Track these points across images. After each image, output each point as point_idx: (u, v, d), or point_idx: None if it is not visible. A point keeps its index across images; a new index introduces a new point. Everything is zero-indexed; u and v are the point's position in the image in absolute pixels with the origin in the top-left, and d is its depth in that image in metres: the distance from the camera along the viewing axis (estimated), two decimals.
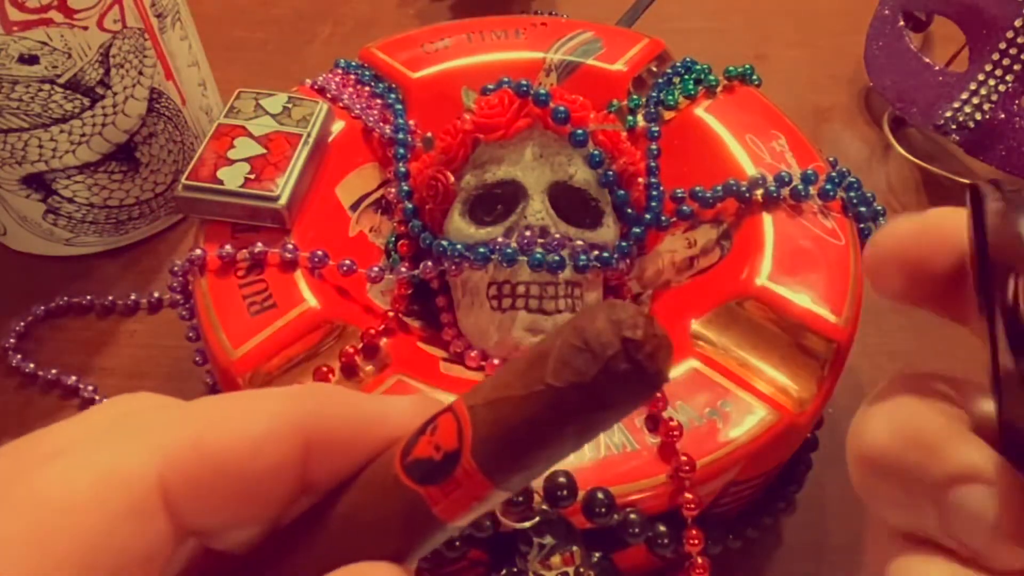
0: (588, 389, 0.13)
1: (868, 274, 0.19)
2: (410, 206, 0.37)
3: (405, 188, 0.37)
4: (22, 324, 0.43)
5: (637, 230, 0.36)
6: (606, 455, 0.28)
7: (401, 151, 0.38)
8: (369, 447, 0.15)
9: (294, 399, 0.15)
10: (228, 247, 0.33)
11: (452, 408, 0.14)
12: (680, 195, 0.37)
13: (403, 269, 0.35)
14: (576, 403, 0.13)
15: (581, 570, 0.27)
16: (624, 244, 0.36)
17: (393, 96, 0.41)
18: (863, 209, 0.35)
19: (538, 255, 0.33)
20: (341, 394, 0.16)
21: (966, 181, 0.49)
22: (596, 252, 0.35)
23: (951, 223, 0.17)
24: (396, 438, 0.15)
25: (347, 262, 0.34)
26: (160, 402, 0.16)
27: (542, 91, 0.35)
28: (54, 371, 0.42)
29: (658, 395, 0.29)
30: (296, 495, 0.15)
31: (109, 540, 0.13)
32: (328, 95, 0.41)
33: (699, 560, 0.29)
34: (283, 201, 0.34)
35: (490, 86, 0.38)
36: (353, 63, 0.43)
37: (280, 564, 0.16)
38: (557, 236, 0.34)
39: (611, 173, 0.35)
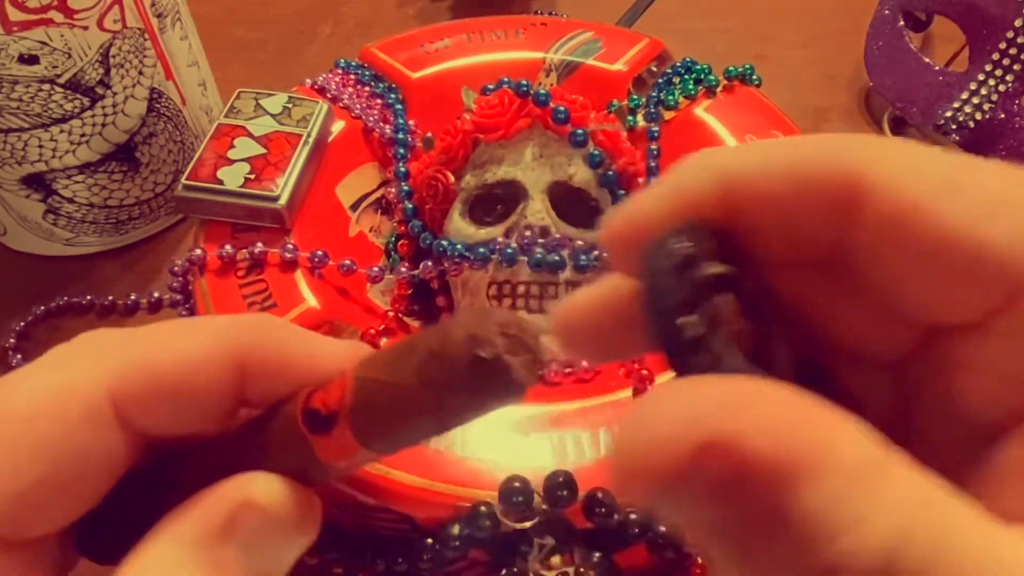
0: (440, 393, 0.14)
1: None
2: (410, 206, 0.37)
3: (405, 188, 0.37)
4: (22, 324, 0.43)
5: None
6: (607, 455, 0.28)
7: (401, 151, 0.38)
8: (298, 379, 0.17)
9: (232, 328, 0.17)
10: (228, 247, 0.33)
11: (345, 373, 0.16)
12: None
13: (403, 269, 0.35)
14: (430, 403, 0.14)
15: (581, 570, 0.27)
16: None
17: (393, 96, 0.41)
18: None
19: (538, 255, 0.33)
20: (279, 329, 0.18)
21: None
22: (596, 252, 0.35)
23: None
24: (325, 375, 0.17)
25: (347, 262, 0.34)
26: (112, 332, 0.18)
27: (542, 91, 0.35)
28: None
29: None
30: (235, 408, 0.17)
31: (68, 445, 0.15)
32: (328, 95, 0.41)
33: (700, 560, 0.29)
34: (283, 201, 0.34)
35: (490, 86, 0.38)
36: (353, 63, 0.43)
37: (204, 463, 0.18)
38: (557, 236, 0.34)
39: (611, 173, 0.35)
